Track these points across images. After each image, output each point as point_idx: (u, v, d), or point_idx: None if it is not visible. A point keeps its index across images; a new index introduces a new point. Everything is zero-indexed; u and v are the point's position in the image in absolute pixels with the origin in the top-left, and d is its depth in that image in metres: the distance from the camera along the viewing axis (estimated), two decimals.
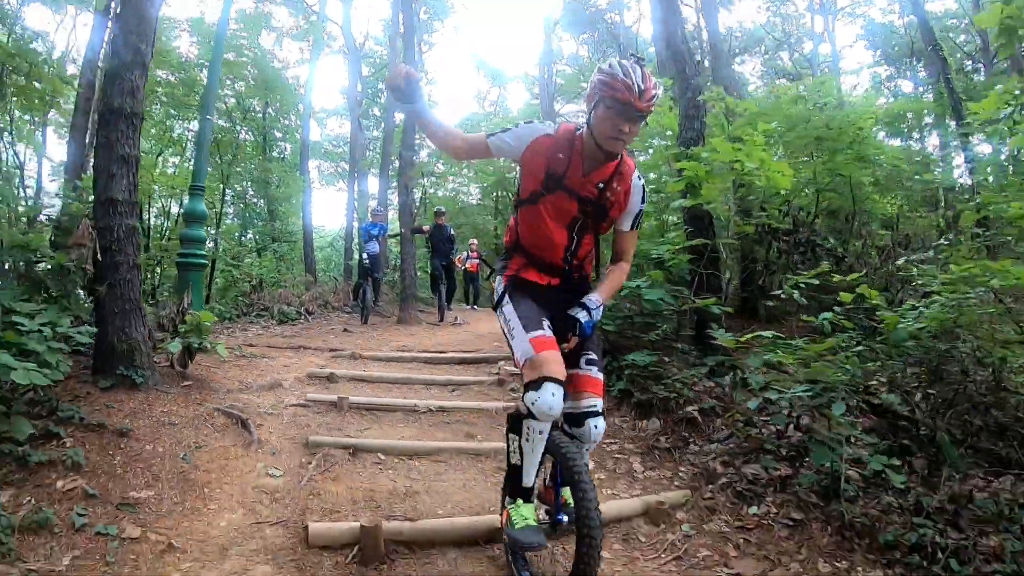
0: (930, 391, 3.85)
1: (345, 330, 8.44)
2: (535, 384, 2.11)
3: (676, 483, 3.39)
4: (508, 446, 2.33)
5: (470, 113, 27.82)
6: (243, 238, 17.85)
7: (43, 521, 2.41)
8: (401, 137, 16.56)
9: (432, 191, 24.10)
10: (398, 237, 10.99)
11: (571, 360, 2.30)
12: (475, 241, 14.87)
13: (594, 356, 2.39)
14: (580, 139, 2.25)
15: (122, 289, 3.71)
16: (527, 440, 2.21)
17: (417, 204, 21.05)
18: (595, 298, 2.35)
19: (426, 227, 10.69)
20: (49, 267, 3.53)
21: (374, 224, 10.86)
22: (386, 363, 5.91)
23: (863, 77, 23.15)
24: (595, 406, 2.31)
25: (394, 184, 16.28)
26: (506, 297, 2.40)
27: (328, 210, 44.49)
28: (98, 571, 2.26)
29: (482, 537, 2.68)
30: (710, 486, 3.27)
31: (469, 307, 12.84)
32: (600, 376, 2.38)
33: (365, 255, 10.35)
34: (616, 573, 2.58)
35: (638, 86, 2.09)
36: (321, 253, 22.93)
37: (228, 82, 15.76)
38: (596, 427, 2.31)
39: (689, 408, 4.01)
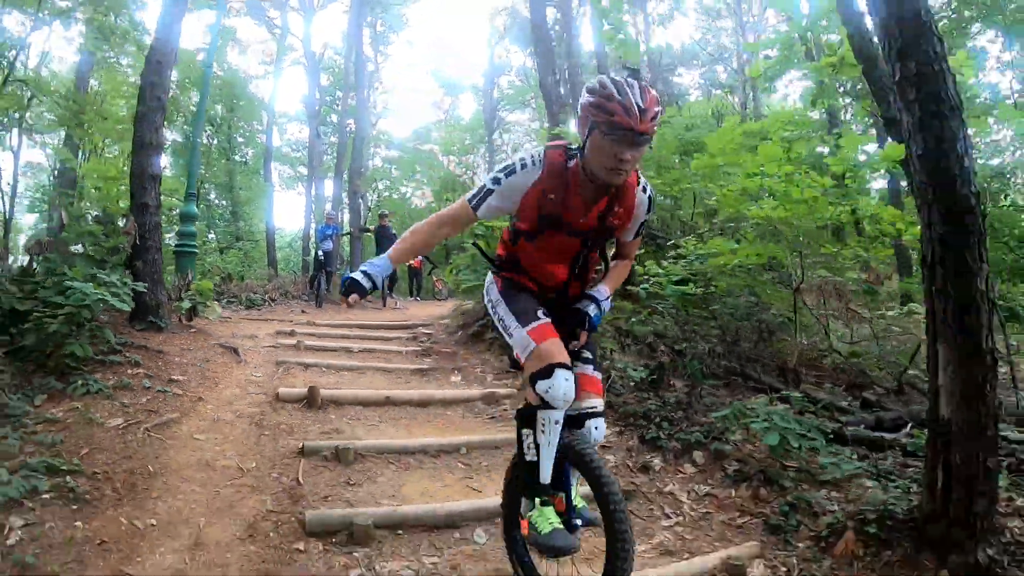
0: (686, 327, 6.10)
1: (303, 311, 10.41)
2: (544, 372, 2.06)
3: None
4: (522, 443, 2.23)
5: (424, 122, 29.79)
6: (207, 238, 19.60)
7: (126, 384, 4.41)
8: (352, 146, 18.65)
9: (387, 194, 26.10)
10: (349, 236, 13.03)
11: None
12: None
13: (590, 355, 2.33)
14: (574, 173, 2.07)
15: (151, 265, 5.71)
16: (543, 432, 2.13)
17: (371, 206, 23.05)
18: (603, 289, 2.31)
19: (372, 227, 12.75)
20: (101, 248, 5.50)
21: (328, 226, 12.85)
22: (332, 327, 7.95)
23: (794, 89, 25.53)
24: (595, 407, 2.26)
25: (348, 187, 18.37)
26: (497, 295, 2.32)
27: (288, 211, 45.97)
28: (162, 406, 4.28)
29: (379, 400, 4.78)
30: None
31: (412, 298, 14.89)
32: (598, 375, 2.34)
33: (320, 251, 12.35)
34: None
35: (637, 106, 1.88)
36: (281, 252, 24.69)
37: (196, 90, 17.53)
38: (597, 428, 2.26)
39: None
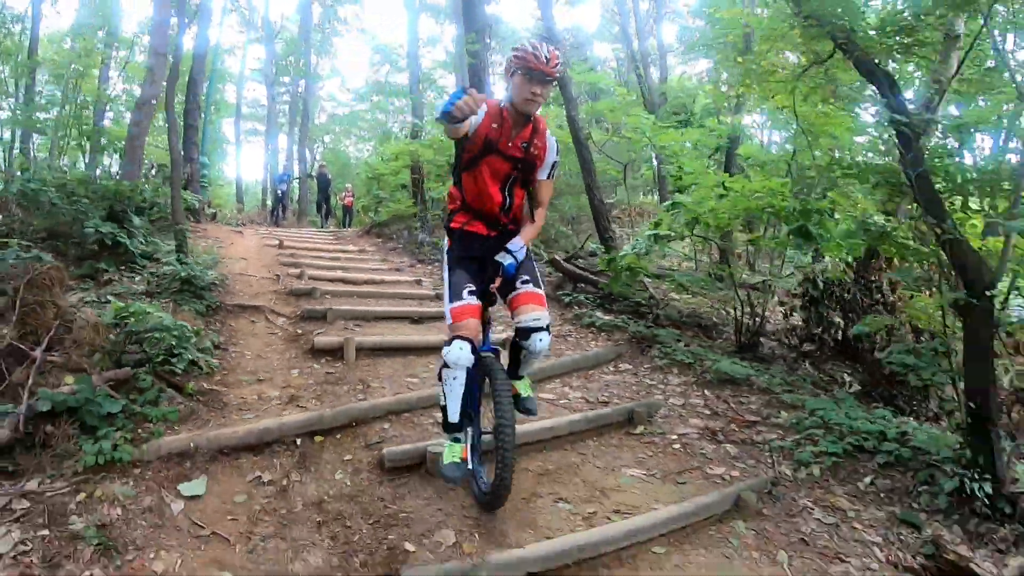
0: None
1: (267, 228, 16.27)
2: (448, 342, 2.87)
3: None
4: (437, 393, 3.12)
5: (363, 85, 34.89)
6: None
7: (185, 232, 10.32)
8: (302, 107, 24.17)
9: (332, 147, 31.61)
10: (298, 180, 18.86)
11: (507, 288, 3.08)
12: (350, 185, 22.30)
13: (527, 276, 3.09)
14: (505, 110, 2.90)
15: (196, 190, 11.59)
16: (447, 384, 2.90)
17: (318, 157, 28.55)
18: (517, 241, 3.07)
19: (313, 173, 18.61)
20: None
21: (284, 173, 18.61)
22: (285, 234, 13.86)
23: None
24: (539, 319, 3.00)
25: (298, 142, 24.05)
26: (445, 265, 3.13)
27: (250, 162, 50.77)
28: (216, 246, 10.17)
29: (313, 247, 10.79)
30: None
31: (345, 228, 20.77)
32: (539, 290, 3.09)
33: (279, 191, 18.13)
34: None
35: (545, 56, 2.74)
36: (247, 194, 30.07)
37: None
38: (541, 340, 3.00)
39: None
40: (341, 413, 3.87)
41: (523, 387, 3.32)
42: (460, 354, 2.84)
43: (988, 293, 3.45)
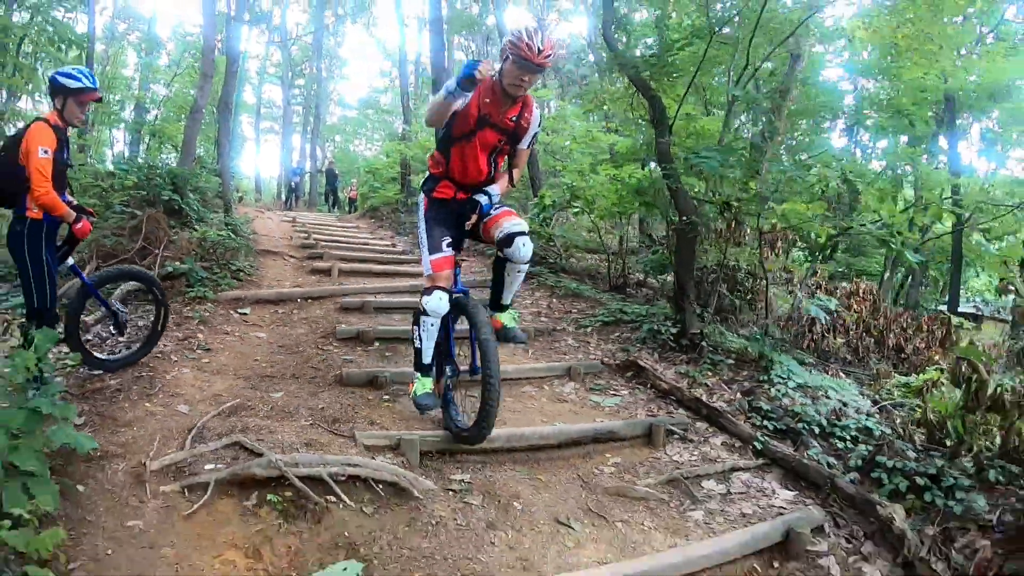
0: None
1: (284, 213, 19.66)
2: (428, 291, 3.30)
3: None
4: (412, 335, 3.48)
5: (371, 89, 38.40)
6: None
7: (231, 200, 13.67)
8: (314, 109, 27.63)
9: (342, 146, 35.15)
10: (309, 174, 22.33)
11: (480, 223, 3.50)
12: (355, 180, 25.53)
13: (500, 204, 3.58)
14: (496, 87, 3.26)
15: (226, 179, 14.97)
16: (424, 330, 3.37)
17: (329, 154, 32.03)
18: (495, 186, 3.54)
19: (323, 168, 22.05)
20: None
21: (298, 167, 22.06)
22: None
23: None
24: (518, 224, 3.41)
25: (311, 140, 27.55)
26: (421, 219, 3.56)
27: (266, 158, 54.87)
28: (247, 221, 13.51)
29: (332, 223, 14.11)
30: None
31: (348, 214, 24.13)
32: (509, 207, 3.61)
33: (292, 183, 21.58)
34: None
35: (537, 47, 3.00)
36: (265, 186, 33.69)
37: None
38: (524, 245, 3.37)
39: None
40: (325, 291, 7.12)
41: (507, 318, 3.67)
42: (439, 304, 3.30)
43: (688, 219, 6.34)
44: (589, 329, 6.62)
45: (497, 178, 3.60)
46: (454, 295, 3.46)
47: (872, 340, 6.47)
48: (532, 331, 6.20)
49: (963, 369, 3.97)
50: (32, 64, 14.68)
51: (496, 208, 3.50)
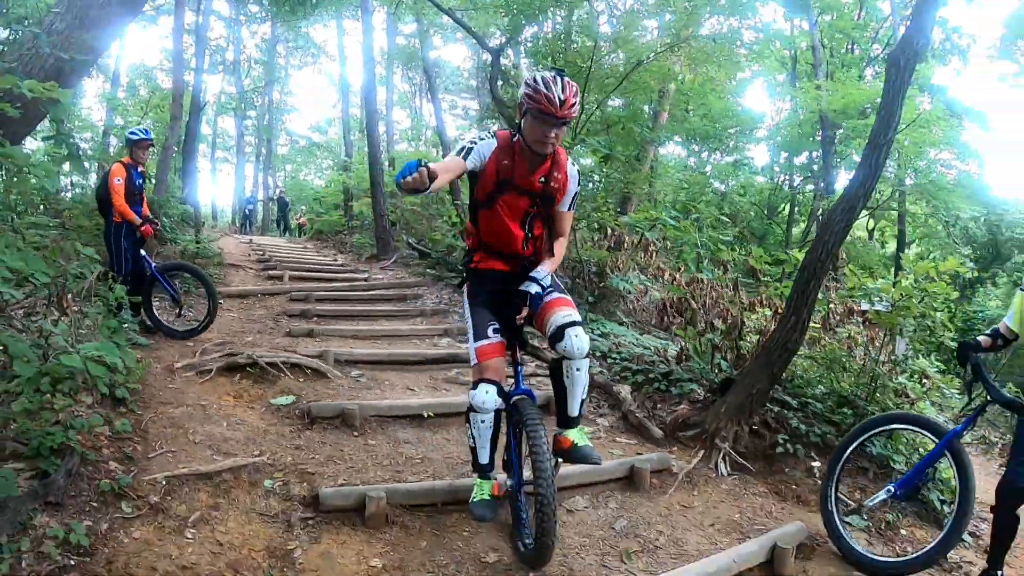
0: None
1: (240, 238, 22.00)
2: (475, 384, 2.98)
3: None
4: (466, 434, 3.16)
5: (319, 120, 40.94)
6: None
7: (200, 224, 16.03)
8: (266, 139, 30.10)
9: (293, 175, 37.59)
10: (261, 203, 24.76)
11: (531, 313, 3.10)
12: (304, 207, 27.72)
13: (553, 287, 3.20)
14: (518, 144, 2.95)
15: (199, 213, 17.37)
16: (474, 427, 3.04)
17: (280, 183, 34.42)
18: (542, 269, 3.13)
19: (275, 196, 24.54)
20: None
21: (251, 196, 24.47)
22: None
23: None
24: (570, 315, 3.05)
25: (263, 169, 29.97)
26: (466, 299, 3.25)
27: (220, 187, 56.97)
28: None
29: (282, 245, 16.58)
30: None
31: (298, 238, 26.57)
32: (565, 295, 3.19)
33: (246, 210, 23.97)
34: None
35: (559, 98, 2.72)
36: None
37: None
38: (576, 336, 2.98)
39: None
40: (279, 289, 9.66)
41: (576, 435, 3.15)
42: (486, 398, 2.96)
43: None
44: None
45: (541, 249, 3.26)
46: (513, 396, 3.14)
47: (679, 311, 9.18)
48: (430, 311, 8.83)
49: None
50: None
51: (548, 294, 3.14)
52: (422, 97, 29.87)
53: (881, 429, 3.91)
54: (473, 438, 3.08)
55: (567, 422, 3.15)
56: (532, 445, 2.83)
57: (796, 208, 17.54)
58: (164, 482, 3.19)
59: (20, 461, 2.87)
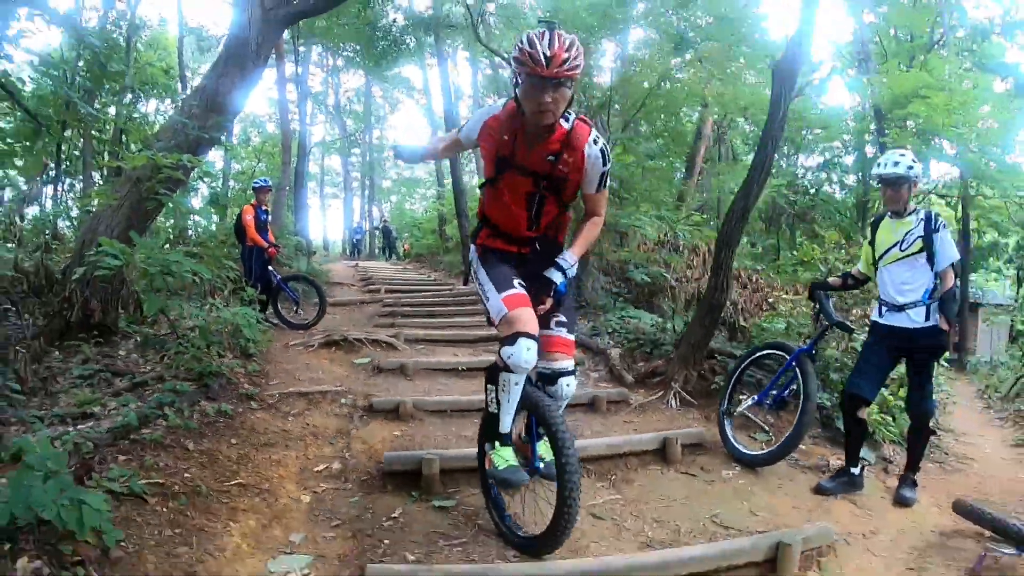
0: None
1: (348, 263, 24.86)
2: (510, 340, 2.63)
3: None
4: (486, 396, 2.90)
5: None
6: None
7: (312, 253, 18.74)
8: (370, 174, 33.30)
9: (398, 205, 40.92)
10: (367, 232, 27.73)
11: (541, 322, 2.79)
12: (407, 234, 30.75)
13: (564, 319, 2.93)
14: (517, 117, 2.65)
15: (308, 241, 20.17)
16: (504, 391, 2.77)
17: (385, 214, 37.64)
18: (569, 257, 2.89)
19: (379, 227, 27.39)
20: None
21: (358, 227, 27.43)
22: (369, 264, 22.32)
23: None
24: (566, 367, 2.90)
25: (368, 202, 33.19)
26: (477, 263, 3.00)
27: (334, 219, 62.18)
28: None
29: (393, 274, 19.00)
30: None
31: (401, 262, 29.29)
32: (570, 337, 2.96)
33: (355, 239, 26.93)
34: None
35: (543, 55, 2.38)
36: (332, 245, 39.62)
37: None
38: (568, 385, 2.90)
39: None
40: (375, 299, 11.80)
41: (543, 447, 2.99)
42: (528, 356, 2.65)
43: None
44: None
45: (555, 231, 3.07)
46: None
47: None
48: None
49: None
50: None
51: (557, 322, 2.95)
52: None
53: (757, 355, 4.99)
54: (498, 403, 2.87)
55: (536, 433, 3.06)
56: (552, 423, 2.74)
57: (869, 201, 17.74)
58: (276, 395, 5.12)
59: (191, 382, 4.86)
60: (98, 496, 2.43)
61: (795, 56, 5.41)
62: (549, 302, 2.82)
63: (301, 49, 19.39)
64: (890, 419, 5.16)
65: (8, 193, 14.37)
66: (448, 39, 17.56)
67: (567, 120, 2.70)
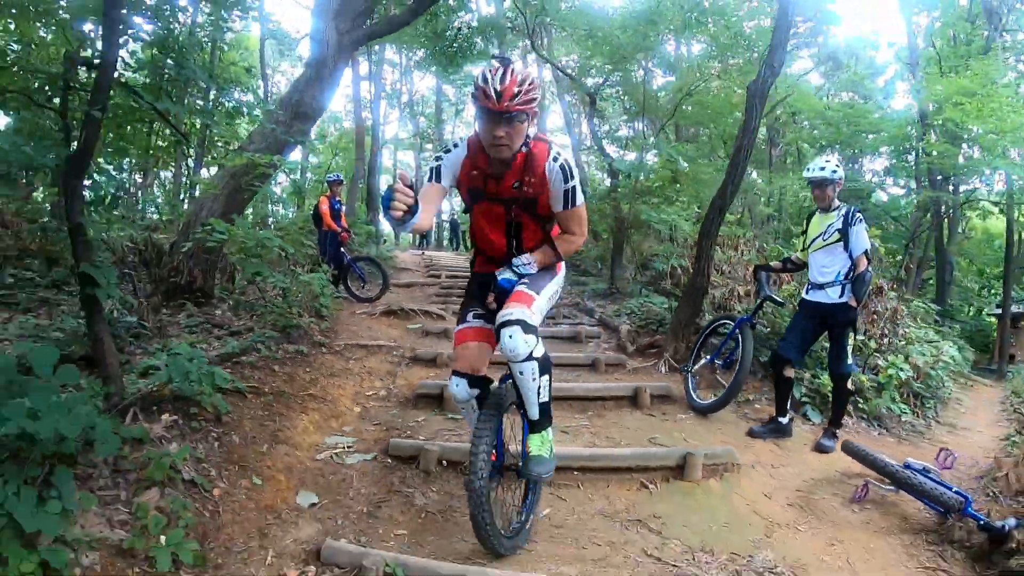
0: None
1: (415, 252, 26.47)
2: (452, 374, 3.06)
3: None
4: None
5: None
6: None
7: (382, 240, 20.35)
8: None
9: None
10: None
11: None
12: None
13: (528, 280, 2.93)
14: (483, 151, 2.71)
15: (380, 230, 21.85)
16: (462, 413, 3.26)
17: (455, 209, 39.16)
18: (526, 256, 2.95)
19: (447, 220, 28.98)
20: None
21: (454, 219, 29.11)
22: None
23: None
24: (509, 314, 2.74)
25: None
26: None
27: None
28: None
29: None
30: None
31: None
32: (529, 291, 2.86)
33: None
34: None
35: (494, 89, 2.46)
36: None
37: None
38: (511, 337, 2.70)
39: None
40: (434, 282, 13.19)
41: (535, 443, 2.98)
42: (456, 391, 2.96)
43: (619, 229, 11.86)
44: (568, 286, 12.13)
45: (531, 243, 3.03)
46: (502, 383, 3.07)
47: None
48: None
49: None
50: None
51: (522, 279, 2.92)
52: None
53: (715, 324, 5.95)
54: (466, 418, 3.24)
55: (529, 424, 3.03)
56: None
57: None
58: (342, 345, 6.50)
59: (275, 330, 6.26)
60: (222, 371, 3.82)
61: (765, 78, 6.31)
62: (491, 298, 2.98)
63: (375, 48, 20.89)
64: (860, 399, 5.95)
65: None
66: (511, 46, 18.76)
67: (525, 144, 2.76)
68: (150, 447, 3.33)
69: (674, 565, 3.19)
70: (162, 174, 18.45)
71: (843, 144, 16.73)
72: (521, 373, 2.80)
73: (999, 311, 16.61)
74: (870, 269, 4.95)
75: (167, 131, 5.18)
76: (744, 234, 10.81)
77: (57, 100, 4.00)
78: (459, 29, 15.68)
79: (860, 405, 5.87)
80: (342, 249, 10.07)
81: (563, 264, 3.19)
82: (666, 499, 3.92)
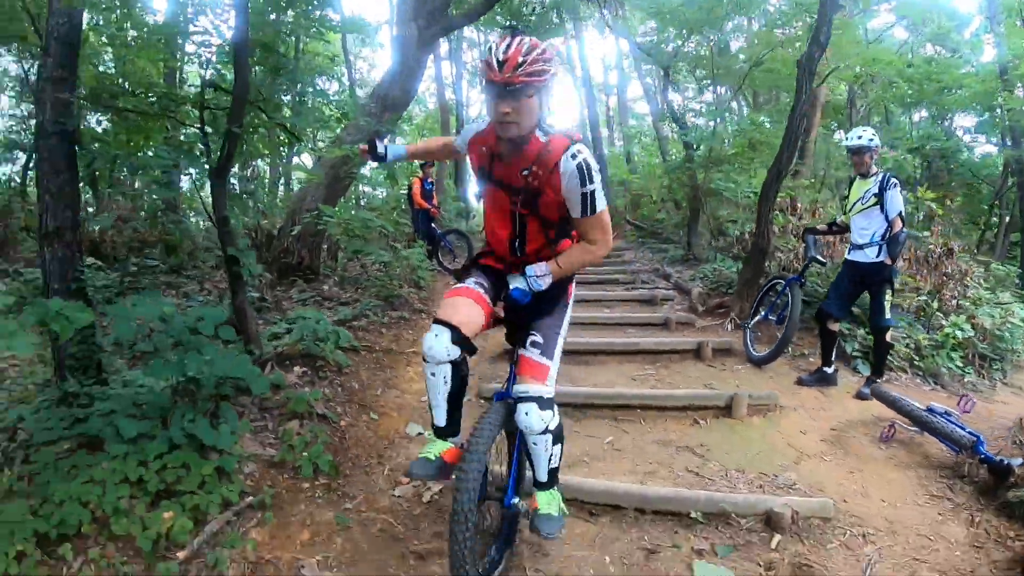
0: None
1: None
2: (433, 324, 2.55)
3: None
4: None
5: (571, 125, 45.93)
6: None
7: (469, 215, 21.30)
8: None
9: None
10: None
11: (519, 339, 2.70)
12: None
13: (540, 339, 2.63)
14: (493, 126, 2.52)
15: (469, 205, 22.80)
16: (426, 379, 2.63)
17: None
18: (541, 266, 2.57)
19: None
20: None
21: None
22: None
23: None
24: (526, 391, 2.57)
25: None
26: None
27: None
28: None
29: None
30: None
31: None
32: (542, 361, 2.62)
33: None
34: None
35: (496, 59, 2.22)
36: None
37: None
38: (527, 414, 2.53)
39: None
40: None
41: (544, 499, 2.77)
42: (433, 342, 2.50)
43: (695, 200, 12.21)
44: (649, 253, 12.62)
45: (544, 258, 2.67)
46: (505, 397, 2.74)
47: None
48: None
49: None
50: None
51: (532, 342, 2.66)
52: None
53: (771, 283, 6.30)
54: (428, 392, 2.68)
55: (536, 483, 2.82)
56: (519, 441, 2.79)
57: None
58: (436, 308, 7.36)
59: (379, 300, 7.17)
60: (345, 331, 4.74)
61: (812, 52, 6.54)
62: (500, 307, 2.73)
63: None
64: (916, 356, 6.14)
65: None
66: (587, 18, 19.14)
67: (546, 134, 2.48)
68: (288, 391, 4.26)
69: (709, 479, 3.84)
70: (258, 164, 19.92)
71: (930, 102, 16.09)
72: (535, 444, 2.67)
73: None
74: (904, 230, 5.29)
75: (282, 135, 6.03)
76: (800, 197, 10.92)
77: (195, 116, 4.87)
78: (534, 8, 16.17)
79: (916, 362, 6.09)
80: (433, 224, 10.95)
81: (573, 286, 2.89)
82: (713, 432, 4.52)
